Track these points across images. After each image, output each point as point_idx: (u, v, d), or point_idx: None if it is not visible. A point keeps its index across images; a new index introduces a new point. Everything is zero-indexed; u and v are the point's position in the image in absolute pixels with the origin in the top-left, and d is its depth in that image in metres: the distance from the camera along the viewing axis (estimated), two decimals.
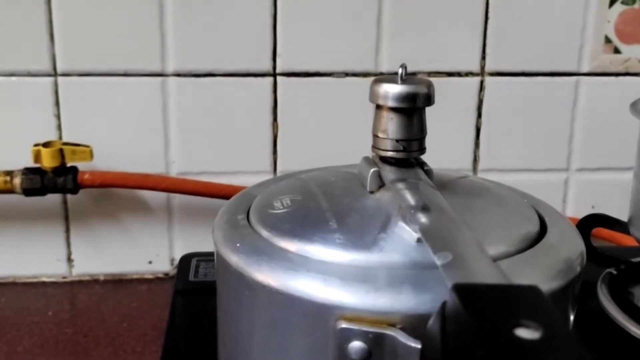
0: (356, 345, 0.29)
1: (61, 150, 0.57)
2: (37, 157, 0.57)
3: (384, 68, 0.61)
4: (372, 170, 0.36)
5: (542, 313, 0.21)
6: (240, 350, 0.35)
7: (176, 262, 0.62)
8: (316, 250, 0.32)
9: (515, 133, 0.64)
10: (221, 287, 0.36)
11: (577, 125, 0.64)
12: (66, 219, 0.62)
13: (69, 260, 0.62)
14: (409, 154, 0.36)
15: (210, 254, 0.38)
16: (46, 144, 0.57)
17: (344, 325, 0.29)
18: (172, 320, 0.50)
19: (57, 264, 0.62)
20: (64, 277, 0.63)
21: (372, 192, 0.36)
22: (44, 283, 0.62)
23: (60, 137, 0.59)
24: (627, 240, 0.60)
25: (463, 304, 0.22)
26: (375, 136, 0.37)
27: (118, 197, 0.61)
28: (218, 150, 0.61)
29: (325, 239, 0.32)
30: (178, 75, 0.59)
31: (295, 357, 0.32)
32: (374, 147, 0.37)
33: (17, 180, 0.57)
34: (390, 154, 0.36)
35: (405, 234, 0.32)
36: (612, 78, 0.63)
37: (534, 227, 0.36)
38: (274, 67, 0.60)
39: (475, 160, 0.64)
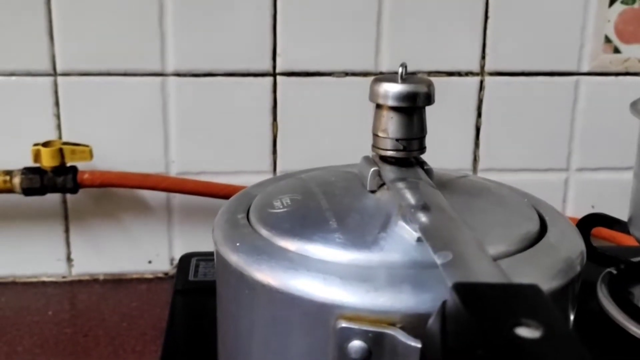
0: (356, 344, 0.29)
1: (61, 150, 0.57)
2: (36, 156, 0.57)
3: (384, 68, 0.61)
4: (372, 169, 0.36)
5: (543, 312, 0.21)
6: (240, 350, 0.35)
7: (176, 261, 0.62)
8: (316, 250, 0.32)
9: (515, 133, 0.64)
10: (221, 286, 0.36)
11: (577, 125, 0.64)
12: (66, 218, 0.62)
13: (69, 260, 0.62)
14: (409, 154, 0.36)
15: (210, 254, 0.38)
16: (46, 144, 0.57)
17: (344, 324, 0.29)
18: (171, 320, 0.50)
19: (56, 263, 0.62)
20: (63, 277, 0.63)
21: (372, 192, 0.36)
22: (43, 283, 0.62)
23: (60, 137, 0.59)
24: (627, 240, 0.60)
25: (463, 303, 0.22)
26: (375, 135, 0.37)
27: (118, 197, 0.61)
28: (218, 150, 0.61)
29: (325, 239, 0.32)
30: (178, 75, 0.59)
31: (296, 356, 0.32)
32: (374, 146, 0.37)
33: (16, 180, 0.57)
34: (390, 153, 0.36)
35: (406, 233, 0.32)
36: (612, 78, 0.63)
37: (534, 226, 0.36)
38: (274, 67, 0.60)
39: (475, 159, 0.64)
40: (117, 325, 0.55)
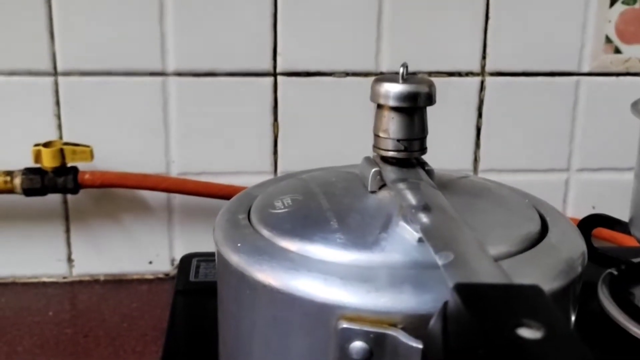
0: (357, 345, 0.29)
1: (61, 151, 0.57)
2: (37, 157, 0.57)
3: (385, 68, 0.61)
4: (373, 170, 0.36)
5: (544, 313, 0.21)
6: (241, 350, 0.35)
7: (176, 262, 0.62)
8: (317, 250, 0.32)
9: (515, 133, 0.64)
10: (222, 286, 0.36)
11: (578, 125, 0.64)
12: (66, 219, 0.61)
13: (69, 260, 0.62)
14: (410, 154, 0.36)
15: (211, 254, 0.38)
16: (46, 144, 0.57)
17: (345, 325, 0.29)
18: (172, 321, 0.50)
19: (57, 264, 0.62)
20: (64, 277, 0.63)
21: (373, 192, 0.36)
22: (44, 283, 0.62)
23: (61, 137, 0.59)
24: (628, 241, 0.60)
25: (464, 303, 0.22)
26: (376, 136, 0.37)
27: (118, 197, 0.61)
28: (218, 150, 0.61)
29: (327, 239, 0.32)
30: (178, 75, 0.59)
31: (296, 357, 0.32)
32: (375, 146, 0.37)
33: (17, 181, 0.57)
34: (391, 153, 0.36)
35: (407, 233, 0.32)
36: (613, 78, 0.63)
37: (535, 227, 0.36)
38: (275, 67, 0.60)
39: (476, 160, 0.64)
40: (118, 325, 0.55)
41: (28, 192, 0.57)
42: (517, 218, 0.37)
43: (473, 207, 0.37)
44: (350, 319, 0.29)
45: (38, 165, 0.57)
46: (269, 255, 0.32)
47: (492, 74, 0.62)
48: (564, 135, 0.64)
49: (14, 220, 0.61)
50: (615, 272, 0.52)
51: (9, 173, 0.57)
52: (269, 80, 0.60)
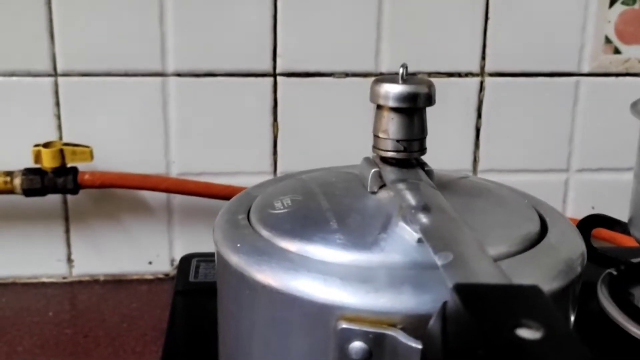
0: (357, 345, 0.29)
1: (61, 151, 0.57)
2: (37, 157, 0.57)
3: (384, 68, 0.61)
4: (372, 170, 0.36)
5: (543, 313, 0.21)
6: (241, 351, 0.35)
7: (176, 262, 0.62)
8: (317, 251, 0.32)
9: (515, 133, 0.64)
10: (222, 287, 0.36)
11: (578, 126, 0.64)
12: (66, 219, 0.62)
13: (69, 260, 0.62)
14: (409, 154, 0.36)
15: (211, 255, 0.38)
16: (46, 145, 0.57)
17: (344, 325, 0.29)
18: (172, 321, 0.50)
19: (57, 264, 0.62)
20: (64, 278, 0.63)
21: (372, 193, 0.36)
22: (44, 283, 0.62)
23: (61, 138, 0.59)
24: (627, 241, 0.60)
25: (464, 304, 0.22)
26: (375, 136, 0.37)
27: (118, 198, 0.61)
28: (218, 150, 0.61)
29: (326, 239, 0.32)
30: (178, 75, 0.59)
31: (296, 357, 0.32)
32: (375, 147, 0.37)
33: (17, 181, 0.57)
34: (390, 154, 0.36)
35: (406, 234, 0.32)
36: (612, 78, 0.63)
37: (534, 227, 0.36)
38: (274, 67, 0.60)
39: (475, 160, 0.64)
40: (118, 326, 0.55)
41: (28, 192, 0.57)
42: (516, 218, 0.37)
43: (472, 208, 0.37)
44: (350, 319, 0.29)
45: (38, 166, 0.57)
46: (269, 255, 0.32)
47: (492, 75, 0.62)
48: (564, 136, 0.65)
49: (14, 221, 0.61)
50: (615, 273, 0.52)
51: (9, 173, 0.57)
52: (269, 80, 0.60)
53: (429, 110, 0.36)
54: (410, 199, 0.33)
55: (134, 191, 0.61)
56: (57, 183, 0.57)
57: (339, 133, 0.62)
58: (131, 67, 0.59)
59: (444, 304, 0.24)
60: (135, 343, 0.53)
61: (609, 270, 0.53)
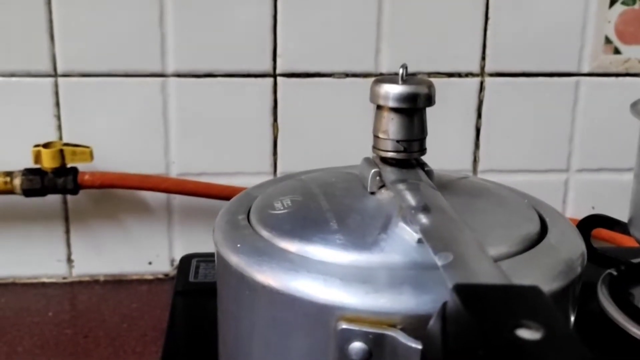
0: (357, 345, 0.29)
1: (61, 151, 0.57)
2: (37, 157, 0.57)
3: (384, 69, 0.61)
4: (372, 170, 0.36)
5: (543, 313, 0.21)
6: (241, 351, 0.35)
7: (176, 262, 0.62)
8: (317, 251, 0.32)
9: (515, 133, 0.64)
10: (222, 287, 0.36)
11: (577, 126, 0.64)
12: (66, 219, 0.62)
13: (69, 260, 0.62)
14: (409, 155, 0.36)
15: (211, 255, 0.38)
16: (46, 145, 0.57)
17: (344, 325, 0.29)
18: (172, 321, 0.50)
19: (57, 264, 0.62)
20: (64, 278, 0.63)
21: (372, 193, 0.36)
22: (44, 284, 0.62)
23: (61, 138, 0.59)
24: (627, 241, 0.60)
25: (464, 304, 0.22)
26: (375, 137, 0.37)
27: (118, 198, 0.61)
28: (218, 151, 0.61)
29: (326, 240, 0.32)
30: (178, 75, 0.59)
31: (296, 357, 0.32)
32: (375, 147, 0.37)
33: (17, 181, 0.57)
34: (390, 154, 0.36)
35: (406, 234, 0.32)
36: (612, 79, 0.63)
37: (534, 227, 0.36)
38: (274, 68, 0.60)
39: (475, 160, 0.64)
40: (118, 326, 0.55)
41: (28, 192, 0.57)
42: (516, 218, 0.37)
43: (472, 208, 0.37)
44: (350, 320, 0.29)
45: (38, 166, 0.57)
46: (269, 256, 0.32)
47: (492, 75, 0.62)
48: (564, 136, 0.65)
49: (14, 221, 0.61)
50: (615, 273, 0.52)
51: (9, 174, 0.57)
52: (269, 81, 0.60)
53: (429, 111, 0.36)
54: (410, 199, 0.33)
55: (134, 191, 0.61)
56: (57, 183, 0.57)
57: (339, 133, 0.62)
58: (131, 67, 0.59)
59: (444, 304, 0.24)
60: (135, 343, 0.53)
61: (609, 271, 0.53)
